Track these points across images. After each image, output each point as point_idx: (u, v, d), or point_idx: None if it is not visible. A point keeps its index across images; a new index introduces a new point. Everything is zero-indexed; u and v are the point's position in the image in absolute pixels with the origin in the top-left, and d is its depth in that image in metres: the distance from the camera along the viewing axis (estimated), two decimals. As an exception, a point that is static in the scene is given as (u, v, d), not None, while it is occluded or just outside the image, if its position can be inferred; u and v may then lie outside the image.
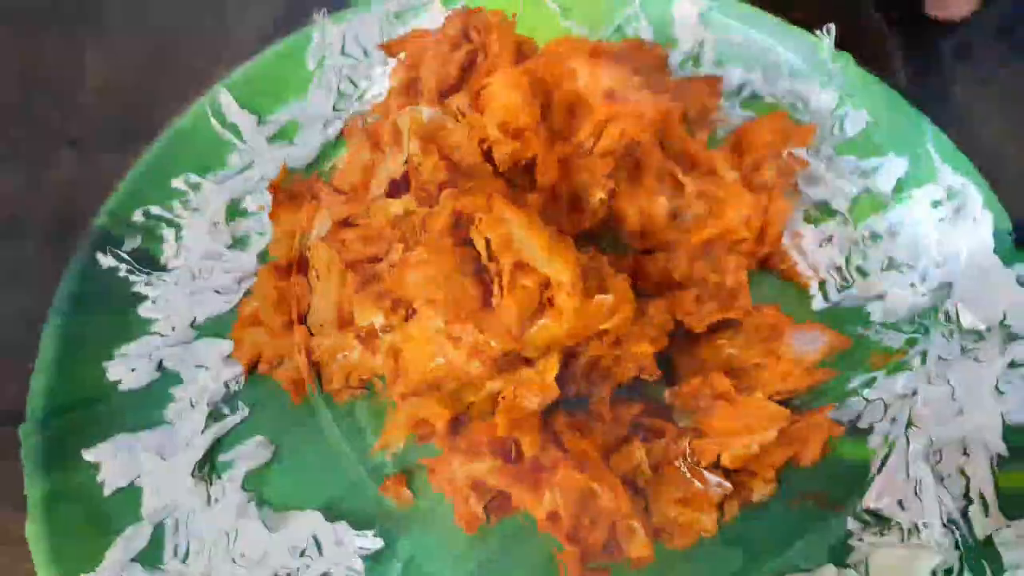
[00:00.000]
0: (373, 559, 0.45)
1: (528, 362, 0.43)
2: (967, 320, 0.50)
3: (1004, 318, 0.50)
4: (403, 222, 0.43)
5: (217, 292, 0.54)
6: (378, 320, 0.46)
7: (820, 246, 0.54)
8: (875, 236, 0.54)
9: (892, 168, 0.55)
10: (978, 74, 0.66)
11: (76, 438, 0.48)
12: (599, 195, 0.45)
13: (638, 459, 0.44)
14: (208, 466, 0.49)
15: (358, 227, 0.47)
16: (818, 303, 0.52)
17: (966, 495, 0.45)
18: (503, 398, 0.43)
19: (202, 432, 0.49)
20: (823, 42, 0.60)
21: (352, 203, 0.47)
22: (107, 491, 0.47)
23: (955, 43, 0.67)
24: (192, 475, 0.48)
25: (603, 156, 0.45)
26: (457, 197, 0.40)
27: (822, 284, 0.53)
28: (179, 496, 0.47)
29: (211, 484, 0.48)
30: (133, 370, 0.51)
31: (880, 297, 0.52)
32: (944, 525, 0.44)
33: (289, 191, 0.52)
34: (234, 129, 0.59)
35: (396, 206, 0.41)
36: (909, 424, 0.48)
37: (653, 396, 0.49)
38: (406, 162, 0.44)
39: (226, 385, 0.51)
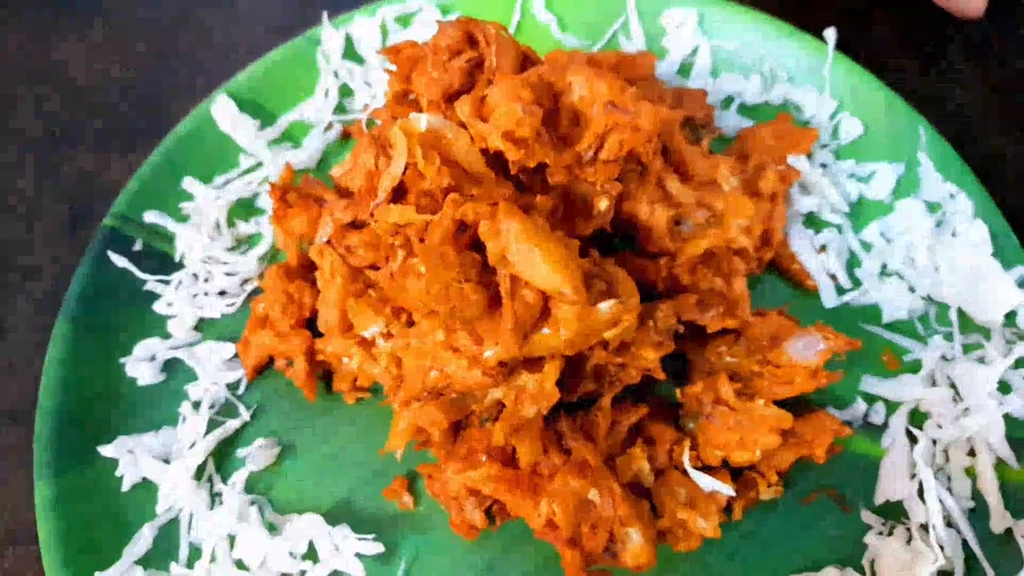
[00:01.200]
0: (376, 560, 0.46)
1: (529, 367, 0.43)
2: (969, 320, 0.51)
3: (1010, 319, 0.50)
4: (404, 229, 0.43)
5: (222, 294, 0.54)
6: (378, 327, 0.46)
7: (817, 252, 0.54)
8: (872, 241, 0.55)
9: (888, 174, 0.56)
10: (980, 74, 0.66)
11: (91, 436, 0.48)
12: (603, 203, 0.45)
13: (640, 463, 0.45)
14: (213, 469, 0.49)
15: (364, 232, 0.47)
16: (825, 305, 0.53)
17: (973, 495, 0.46)
18: (504, 406, 0.43)
19: (204, 435, 0.49)
20: (824, 46, 0.60)
21: (356, 207, 0.47)
22: (125, 487, 0.47)
23: (958, 43, 0.68)
24: (194, 479, 0.47)
25: (605, 165, 0.45)
26: (459, 204, 0.40)
27: (828, 287, 0.53)
28: (182, 499, 0.47)
29: (214, 487, 0.48)
30: (147, 367, 0.51)
31: (879, 301, 0.52)
32: (949, 526, 0.45)
33: (295, 192, 0.52)
34: (234, 133, 0.59)
35: (396, 213, 0.41)
36: (913, 424, 0.48)
37: (665, 393, 0.49)
38: (405, 171, 0.44)
39: (229, 388, 0.51)
